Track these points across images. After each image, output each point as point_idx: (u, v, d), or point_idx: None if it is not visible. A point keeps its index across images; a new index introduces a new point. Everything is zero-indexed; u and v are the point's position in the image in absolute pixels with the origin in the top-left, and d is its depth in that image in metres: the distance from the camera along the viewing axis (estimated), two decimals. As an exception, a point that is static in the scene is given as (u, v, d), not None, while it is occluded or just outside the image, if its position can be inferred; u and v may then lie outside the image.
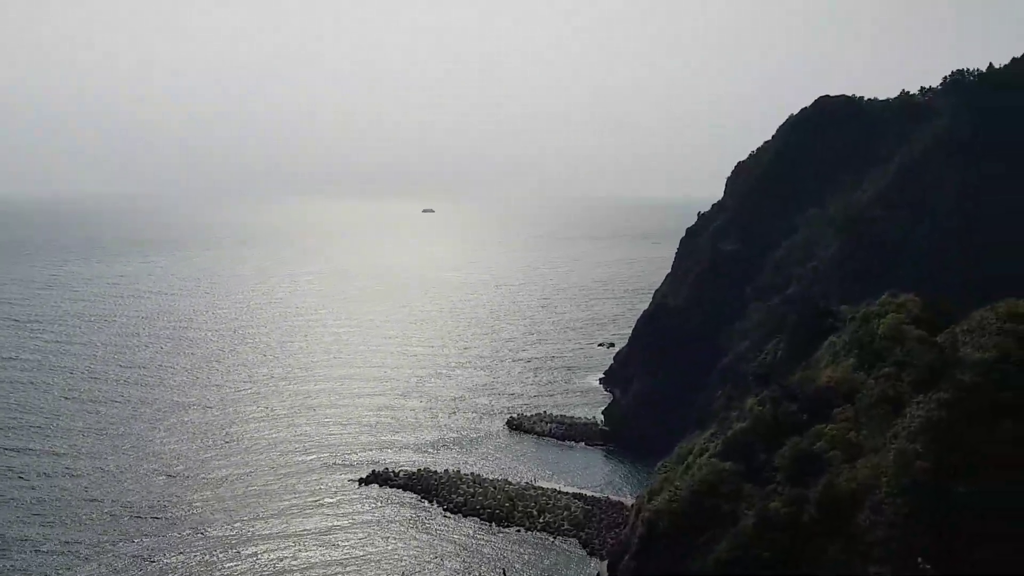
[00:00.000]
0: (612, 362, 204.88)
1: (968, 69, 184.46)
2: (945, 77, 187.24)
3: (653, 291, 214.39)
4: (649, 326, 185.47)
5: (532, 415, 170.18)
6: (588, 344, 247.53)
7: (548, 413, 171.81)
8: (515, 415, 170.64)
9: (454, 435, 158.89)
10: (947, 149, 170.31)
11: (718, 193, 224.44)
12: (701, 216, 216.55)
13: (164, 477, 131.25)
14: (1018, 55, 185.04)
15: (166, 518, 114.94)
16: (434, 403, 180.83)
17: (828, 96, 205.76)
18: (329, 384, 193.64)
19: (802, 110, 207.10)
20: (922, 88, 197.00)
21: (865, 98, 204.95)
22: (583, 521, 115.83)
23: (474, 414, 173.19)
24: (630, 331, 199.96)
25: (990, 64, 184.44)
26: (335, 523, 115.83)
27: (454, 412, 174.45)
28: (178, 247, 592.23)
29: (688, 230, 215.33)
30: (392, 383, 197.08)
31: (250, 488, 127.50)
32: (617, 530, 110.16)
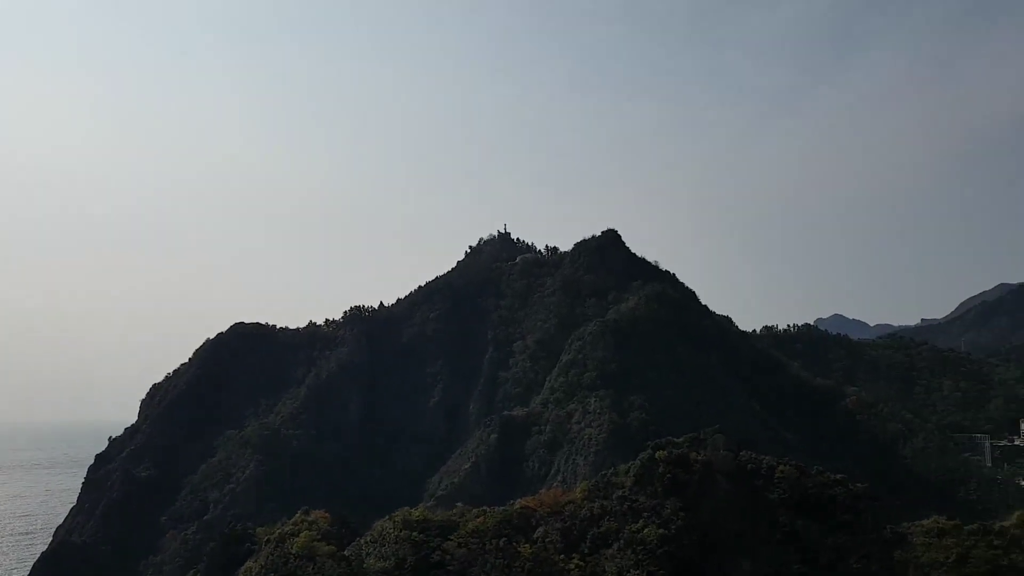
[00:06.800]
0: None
1: (363, 306, 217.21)
2: (345, 311, 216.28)
3: (55, 529, 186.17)
4: (48, 570, 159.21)
5: None
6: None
7: None
8: None
9: None
10: (350, 373, 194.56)
11: (134, 415, 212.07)
12: (112, 441, 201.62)
13: None
14: (403, 296, 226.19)
15: None
16: None
17: (243, 323, 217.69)
18: None
19: (219, 334, 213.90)
20: (327, 320, 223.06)
21: (278, 326, 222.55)
22: None
23: None
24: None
25: (381, 302, 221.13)
26: None
27: None
28: None
29: (98, 456, 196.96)
30: None
31: None
32: None
